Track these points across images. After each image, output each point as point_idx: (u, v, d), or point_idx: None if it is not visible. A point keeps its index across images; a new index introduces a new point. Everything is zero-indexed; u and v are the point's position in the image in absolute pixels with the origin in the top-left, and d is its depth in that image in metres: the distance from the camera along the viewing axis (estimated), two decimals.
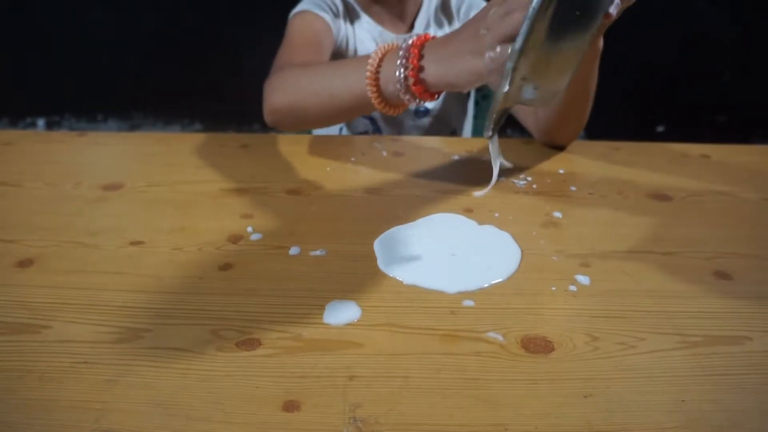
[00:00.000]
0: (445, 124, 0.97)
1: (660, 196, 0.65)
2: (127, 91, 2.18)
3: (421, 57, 0.54)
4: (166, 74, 2.13)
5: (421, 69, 0.54)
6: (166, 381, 0.39)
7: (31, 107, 2.27)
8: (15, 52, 2.13)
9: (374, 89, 0.57)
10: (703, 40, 1.98)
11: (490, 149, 0.54)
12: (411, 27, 0.93)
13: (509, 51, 0.47)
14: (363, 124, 0.95)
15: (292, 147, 0.77)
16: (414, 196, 0.64)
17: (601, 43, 0.62)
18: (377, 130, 0.95)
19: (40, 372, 0.39)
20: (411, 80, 0.54)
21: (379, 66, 0.57)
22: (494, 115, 0.50)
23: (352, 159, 0.74)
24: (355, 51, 0.91)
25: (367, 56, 0.58)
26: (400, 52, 0.54)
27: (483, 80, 0.51)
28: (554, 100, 0.51)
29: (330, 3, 0.88)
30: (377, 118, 0.94)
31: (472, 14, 0.91)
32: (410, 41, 0.55)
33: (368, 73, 0.57)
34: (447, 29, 0.94)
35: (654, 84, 2.06)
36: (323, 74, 0.65)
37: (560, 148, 0.77)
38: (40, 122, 2.27)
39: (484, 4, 0.93)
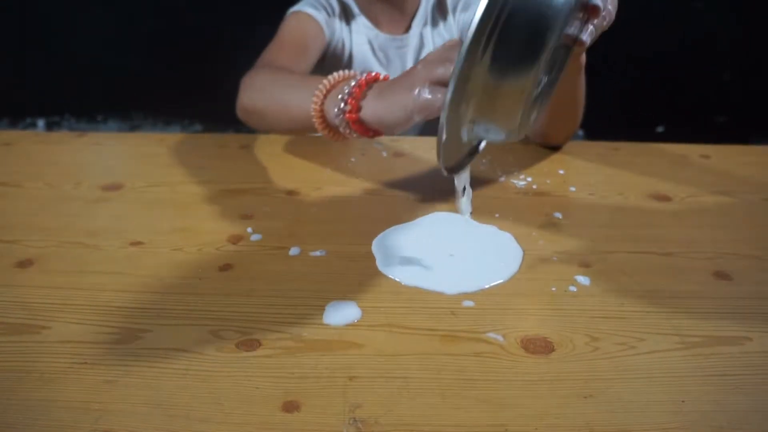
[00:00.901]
0: None
1: (660, 197, 0.65)
2: (127, 92, 2.17)
3: (365, 92, 0.54)
4: (166, 74, 2.13)
5: (361, 100, 0.54)
6: (166, 381, 0.39)
7: (31, 107, 2.26)
8: (15, 52, 2.13)
9: (318, 114, 0.58)
10: (702, 41, 1.98)
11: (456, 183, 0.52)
12: (408, 27, 0.93)
13: (438, 95, 0.47)
14: None
15: (292, 147, 0.77)
16: (414, 196, 0.64)
17: (583, 58, 0.63)
18: None
19: (40, 372, 0.39)
20: (348, 107, 0.54)
21: (328, 92, 0.57)
22: (442, 157, 0.46)
23: (352, 159, 0.74)
24: (351, 53, 0.91)
25: (322, 78, 0.58)
26: (352, 82, 0.54)
27: (409, 116, 0.50)
28: (521, 134, 0.47)
29: (326, 4, 0.88)
30: None
31: (467, 9, 0.91)
32: (362, 77, 0.55)
33: (315, 98, 0.57)
34: (441, 27, 0.93)
35: (654, 84, 2.06)
36: (286, 86, 0.67)
37: (557, 148, 0.77)
38: (40, 123, 2.27)
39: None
